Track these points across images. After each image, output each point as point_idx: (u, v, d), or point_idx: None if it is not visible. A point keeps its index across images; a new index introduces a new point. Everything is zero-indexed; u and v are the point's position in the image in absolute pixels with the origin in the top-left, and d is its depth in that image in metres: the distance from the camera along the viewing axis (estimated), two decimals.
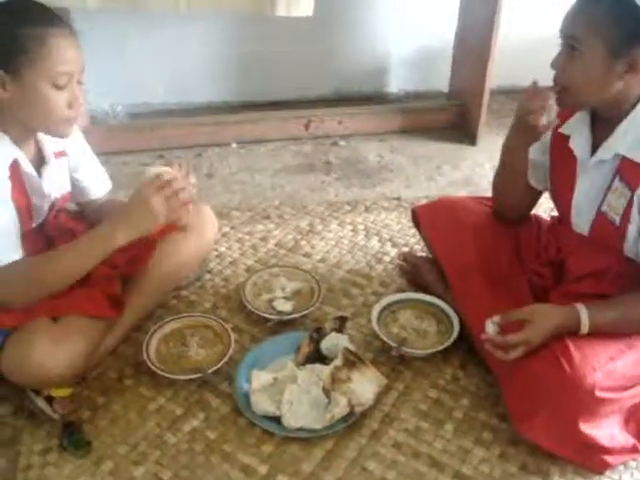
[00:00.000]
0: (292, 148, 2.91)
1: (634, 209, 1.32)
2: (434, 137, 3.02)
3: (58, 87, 1.33)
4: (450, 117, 3.08)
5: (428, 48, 3.30)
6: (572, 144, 1.45)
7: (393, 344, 1.62)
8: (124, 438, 1.45)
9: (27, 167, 1.43)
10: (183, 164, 1.47)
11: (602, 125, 1.36)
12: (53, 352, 1.39)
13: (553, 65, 1.35)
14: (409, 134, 3.04)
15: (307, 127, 2.96)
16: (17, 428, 1.46)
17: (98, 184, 1.71)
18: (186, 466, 1.39)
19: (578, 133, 1.45)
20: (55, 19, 1.34)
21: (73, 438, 1.43)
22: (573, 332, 1.37)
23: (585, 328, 1.36)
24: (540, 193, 1.68)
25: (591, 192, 1.42)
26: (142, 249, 1.72)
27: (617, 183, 1.36)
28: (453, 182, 2.65)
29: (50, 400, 1.46)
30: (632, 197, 1.32)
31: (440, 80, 3.22)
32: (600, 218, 1.42)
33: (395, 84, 3.42)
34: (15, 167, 1.40)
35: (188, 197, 1.43)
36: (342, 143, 2.96)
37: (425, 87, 3.41)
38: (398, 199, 2.49)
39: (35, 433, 1.45)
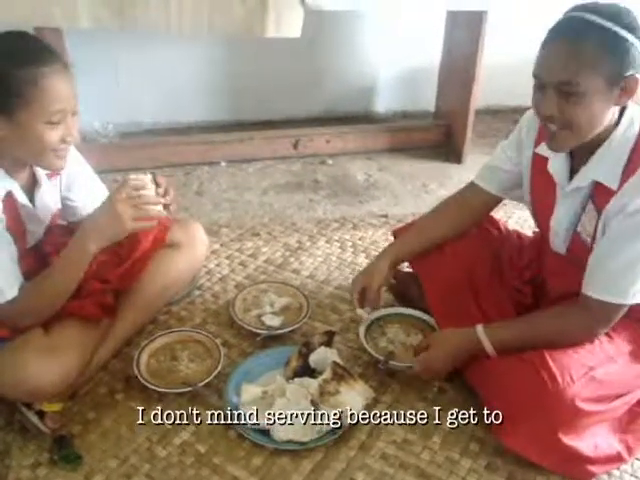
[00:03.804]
0: (281, 167, 2.94)
1: (599, 228, 1.37)
2: (421, 156, 3.07)
3: (52, 124, 1.32)
4: (436, 136, 3.14)
5: (415, 69, 3.36)
6: (550, 168, 1.49)
7: (380, 357, 1.64)
8: (115, 452, 1.45)
9: (21, 198, 1.44)
10: (165, 180, 1.46)
11: (579, 150, 1.39)
12: (45, 365, 1.41)
13: (548, 111, 1.31)
14: (396, 153, 3.09)
15: (296, 146, 3.00)
16: (7, 442, 1.46)
17: (94, 204, 1.55)
18: (176, 479, 1.40)
19: (556, 158, 1.48)
20: (47, 55, 1.33)
21: (64, 452, 1.43)
22: (483, 352, 1.48)
23: (488, 346, 1.47)
24: (497, 200, 1.71)
25: (568, 214, 1.46)
26: (134, 265, 1.74)
27: (590, 206, 1.40)
28: (439, 200, 2.64)
29: (41, 415, 1.47)
30: (599, 218, 1.37)
31: (426, 100, 3.28)
32: (575, 238, 1.47)
33: (382, 104, 3.48)
34: (9, 199, 1.40)
35: (156, 210, 1.42)
36: (330, 162, 3.00)
37: (412, 107, 3.48)
38: (385, 216, 2.52)
39: (25, 447, 1.45)
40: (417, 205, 2.64)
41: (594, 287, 1.36)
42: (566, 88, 1.27)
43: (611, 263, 1.33)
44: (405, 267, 2.11)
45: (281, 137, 3.01)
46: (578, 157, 1.41)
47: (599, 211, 1.36)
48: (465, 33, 2.80)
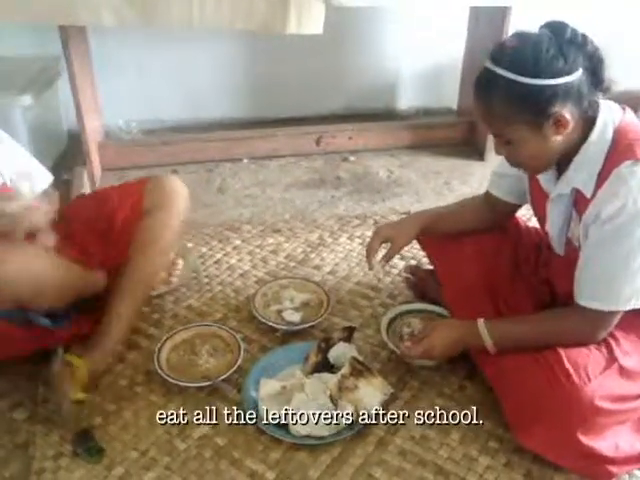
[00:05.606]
0: (303, 163, 2.95)
1: (581, 235, 1.36)
2: (443, 153, 3.05)
3: None
4: (459, 133, 3.12)
5: (437, 65, 3.34)
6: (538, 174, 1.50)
7: (396, 349, 1.65)
8: (135, 444, 1.47)
9: None
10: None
11: (563, 159, 1.38)
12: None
13: (498, 154, 1.42)
14: (418, 150, 3.08)
15: (318, 143, 3.01)
16: (31, 433, 1.49)
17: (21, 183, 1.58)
18: (195, 472, 1.41)
19: None
20: None
21: (86, 445, 1.45)
22: (481, 347, 1.47)
23: (487, 339, 1.45)
24: (515, 206, 1.70)
25: (558, 220, 1.46)
26: (118, 237, 1.71)
27: (574, 213, 1.41)
28: (461, 197, 2.65)
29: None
30: (580, 224, 1.36)
31: (449, 97, 3.26)
32: (568, 243, 1.47)
33: (404, 101, 3.47)
34: None
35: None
36: (352, 158, 3.00)
37: (434, 104, 3.45)
38: (407, 213, 2.51)
39: (48, 438, 1.48)
40: (439, 202, 2.62)
41: (582, 295, 1.35)
42: (498, 138, 1.36)
43: (593, 271, 1.33)
44: (425, 265, 2.11)
45: (303, 134, 3.01)
46: (563, 165, 1.40)
47: (581, 218, 1.36)
48: (488, 29, 2.78)
